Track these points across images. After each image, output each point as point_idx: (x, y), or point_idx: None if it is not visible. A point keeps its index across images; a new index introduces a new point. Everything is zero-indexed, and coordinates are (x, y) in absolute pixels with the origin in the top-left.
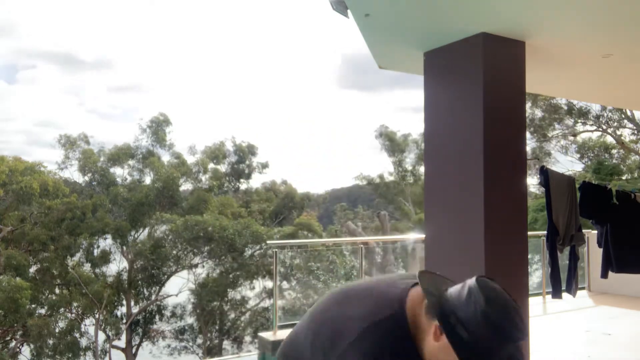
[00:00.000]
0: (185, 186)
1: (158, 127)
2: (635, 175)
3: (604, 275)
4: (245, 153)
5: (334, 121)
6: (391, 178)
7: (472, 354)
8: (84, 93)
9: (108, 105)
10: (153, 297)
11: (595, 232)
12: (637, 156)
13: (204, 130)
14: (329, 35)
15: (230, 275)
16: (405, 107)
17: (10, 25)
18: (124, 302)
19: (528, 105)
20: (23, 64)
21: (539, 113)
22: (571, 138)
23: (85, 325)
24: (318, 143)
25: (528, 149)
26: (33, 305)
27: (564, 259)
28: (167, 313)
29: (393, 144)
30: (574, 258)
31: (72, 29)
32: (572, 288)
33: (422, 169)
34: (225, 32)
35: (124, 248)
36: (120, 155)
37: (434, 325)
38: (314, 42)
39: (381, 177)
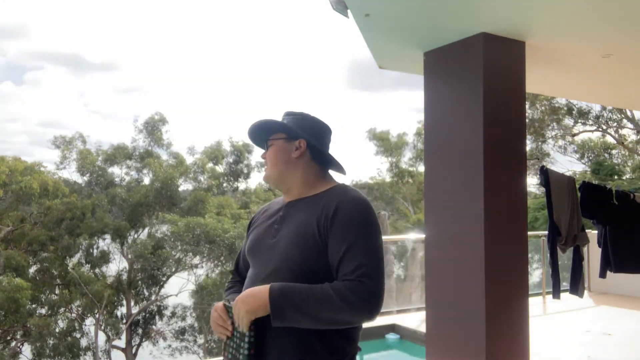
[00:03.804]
0: (184, 186)
1: (154, 127)
2: (636, 175)
3: (602, 275)
4: (242, 152)
5: (333, 120)
6: (388, 178)
7: None
8: (88, 94)
9: (112, 106)
10: (153, 298)
11: (596, 232)
12: (637, 156)
13: (203, 130)
14: (326, 34)
15: (230, 276)
16: (406, 107)
17: (19, 28)
18: (124, 302)
19: (527, 105)
20: (31, 65)
21: (537, 114)
22: (570, 138)
23: (85, 325)
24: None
25: (527, 149)
26: (33, 305)
27: (564, 259)
28: (168, 313)
29: (389, 145)
30: (578, 258)
31: (79, 31)
32: (578, 288)
33: (419, 169)
34: (226, 33)
35: (124, 248)
36: (117, 155)
37: None
38: (312, 41)
39: (379, 176)
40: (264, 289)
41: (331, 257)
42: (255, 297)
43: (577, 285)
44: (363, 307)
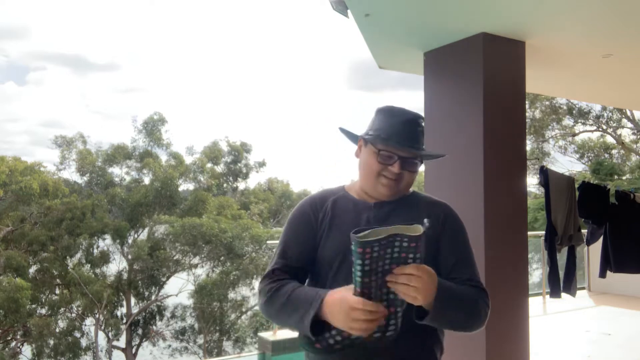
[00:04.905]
0: (184, 186)
1: (153, 127)
2: (636, 175)
3: (602, 274)
4: (240, 152)
5: (333, 121)
6: None
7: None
8: (90, 94)
9: (112, 106)
10: (153, 298)
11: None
12: (637, 156)
13: (203, 131)
14: (326, 34)
15: (230, 276)
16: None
17: (22, 29)
18: (124, 302)
19: (527, 105)
20: (33, 65)
21: (537, 114)
22: (570, 138)
23: (85, 325)
24: (316, 142)
25: (527, 149)
26: (33, 305)
27: (562, 258)
28: (167, 313)
29: None
30: (572, 258)
31: (81, 32)
32: (571, 288)
33: (420, 168)
34: (226, 33)
35: (124, 248)
36: (117, 155)
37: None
38: (312, 41)
39: None
40: (434, 281)
41: (440, 262)
42: (434, 283)
43: (570, 285)
44: (485, 314)
